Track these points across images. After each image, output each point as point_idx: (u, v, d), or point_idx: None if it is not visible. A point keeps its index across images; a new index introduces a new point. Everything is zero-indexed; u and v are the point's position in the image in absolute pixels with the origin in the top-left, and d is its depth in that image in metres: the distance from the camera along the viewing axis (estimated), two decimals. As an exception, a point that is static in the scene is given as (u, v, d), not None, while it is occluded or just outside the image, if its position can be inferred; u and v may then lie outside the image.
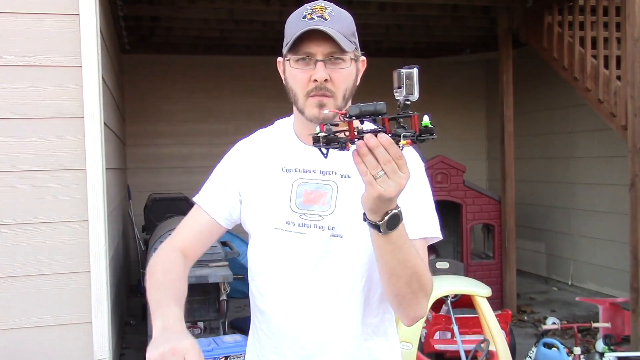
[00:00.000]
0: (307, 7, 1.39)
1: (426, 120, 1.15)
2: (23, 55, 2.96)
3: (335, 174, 1.43)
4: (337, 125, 1.16)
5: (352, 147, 1.16)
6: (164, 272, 1.40)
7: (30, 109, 2.98)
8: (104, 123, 3.23)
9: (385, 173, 1.12)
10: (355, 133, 1.15)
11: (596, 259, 6.76)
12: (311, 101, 1.38)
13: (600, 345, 4.58)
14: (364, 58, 1.45)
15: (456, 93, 8.59)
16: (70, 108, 3.01)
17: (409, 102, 1.16)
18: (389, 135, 1.14)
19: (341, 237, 1.40)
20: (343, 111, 1.17)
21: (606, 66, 4.95)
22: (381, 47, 7.67)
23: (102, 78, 3.23)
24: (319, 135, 1.15)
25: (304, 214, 1.43)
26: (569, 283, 7.20)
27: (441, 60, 8.41)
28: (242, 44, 7.45)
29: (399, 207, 1.19)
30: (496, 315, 4.01)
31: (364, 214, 1.20)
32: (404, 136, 1.14)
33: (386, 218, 1.18)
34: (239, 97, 7.96)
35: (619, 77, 4.82)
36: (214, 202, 1.53)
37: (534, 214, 7.77)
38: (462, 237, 6.18)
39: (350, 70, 1.39)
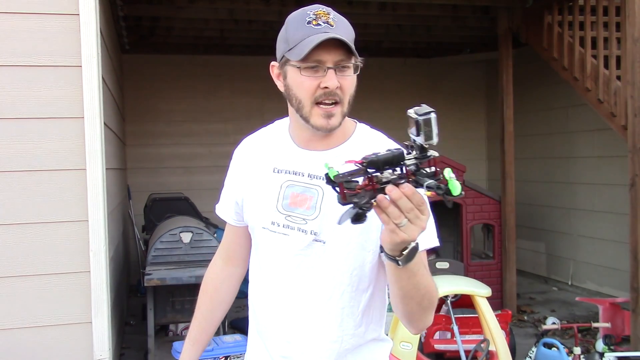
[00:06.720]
0: (309, 12, 1.35)
1: (450, 177, 1.07)
2: (23, 55, 2.96)
3: (323, 179, 1.44)
4: (353, 182, 1.11)
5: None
6: (202, 292, 1.70)
7: (30, 109, 2.98)
8: (104, 123, 3.23)
9: (409, 220, 1.10)
10: (375, 182, 1.10)
11: (596, 259, 6.76)
12: (317, 111, 1.36)
13: (600, 345, 4.57)
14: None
15: (456, 93, 8.58)
16: (70, 108, 3.01)
17: (427, 146, 1.11)
18: (410, 181, 1.10)
19: (324, 242, 1.39)
20: (359, 160, 1.11)
21: (606, 66, 4.95)
22: (381, 47, 7.66)
23: (102, 78, 3.23)
24: (350, 213, 1.11)
25: (289, 215, 1.43)
26: (569, 283, 7.20)
27: (441, 60, 8.42)
28: (242, 44, 7.43)
29: (416, 240, 1.16)
30: (496, 315, 4.01)
31: (381, 247, 1.19)
32: (427, 187, 1.09)
33: (405, 253, 1.16)
34: (239, 97, 7.95)
35: (619, 77, 4.82)
36: (225, 209, 1.63)
37: (534, 214, 7.76)
38: (462, 237, 6.17)
39: (354, 78, 1.38)
